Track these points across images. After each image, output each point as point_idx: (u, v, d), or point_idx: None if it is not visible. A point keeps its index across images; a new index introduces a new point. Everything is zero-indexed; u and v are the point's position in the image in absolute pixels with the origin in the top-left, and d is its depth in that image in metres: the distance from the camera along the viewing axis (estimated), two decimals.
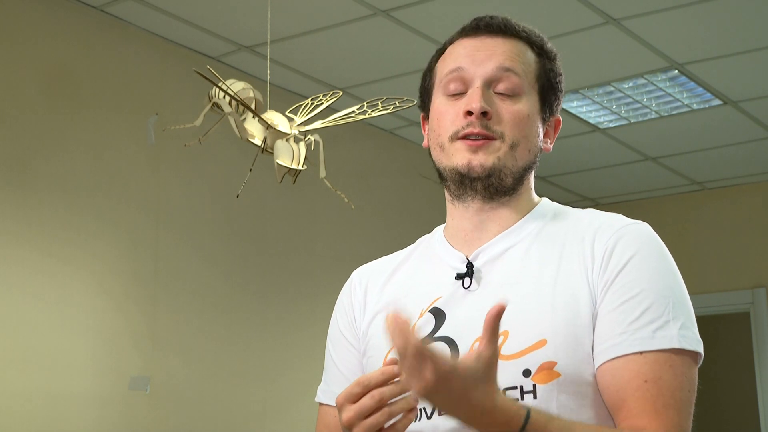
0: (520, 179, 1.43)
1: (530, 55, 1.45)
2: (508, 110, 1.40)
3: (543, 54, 1.46)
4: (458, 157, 1.40)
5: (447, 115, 1.42)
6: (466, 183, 1.40)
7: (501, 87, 1.41)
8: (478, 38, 1.45)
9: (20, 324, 3.45)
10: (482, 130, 1.38)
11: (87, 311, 3.65)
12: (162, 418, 3.84)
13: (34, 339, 3.47)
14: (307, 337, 4.44)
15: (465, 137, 1.39)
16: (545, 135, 1.48)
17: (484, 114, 1.39)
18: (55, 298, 3.55)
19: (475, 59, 1.42)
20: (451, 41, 1.48)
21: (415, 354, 1.09)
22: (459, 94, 1.42)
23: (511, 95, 1.41)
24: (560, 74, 1.48)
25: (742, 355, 6.25)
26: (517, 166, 1.41)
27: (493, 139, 1.39)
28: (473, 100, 1.39)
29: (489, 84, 1.41)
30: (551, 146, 1.49)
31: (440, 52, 1.49)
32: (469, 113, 1.39)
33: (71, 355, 3.57)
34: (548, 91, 1.45)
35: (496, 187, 1.40)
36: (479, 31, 1.45)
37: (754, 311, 5.91)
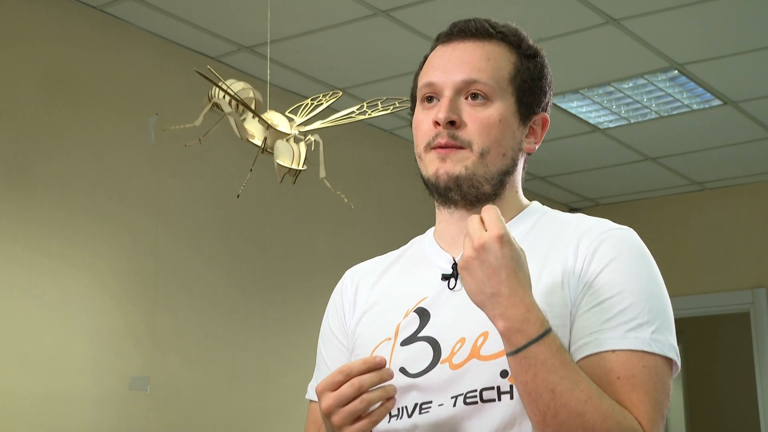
0: (500, 184, 1.42)
1: (505, 56, 1.43)
2: (476, 118, 1.40)
3: (521, 52, 1.45)
4: (430, 167, 1.41)
5: (421, 125, 1.43)
6: (441, 192, 1.41)
7: (470, 94, 1.41)
8: (451, 45, 1.45)
9: (20, 324, 3.45)
10: (449, 140, 1.39)
11: (87, 311, 3.65)
12: (162, 418, 3.84)
13: (34, 339, 3.47)
14: (306, 336, 4.42)
15: (435, 147, 1.40)
16: (531, 134, 1.46)
17: (452, 123, 1.39)
18: (55, 298, 3.55)
19: (446, 69, 1.42)
20: (431, 49, 1.49)
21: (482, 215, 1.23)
22: (433, 104, 1.43)
23: (481, 102, 1.40)
24: (542, 71, 1.46)
25: (742, 355, 6.25)
26: (491, 172, 1.40)
27: (461, 148, 1.39)
28: (440, 110, 1.40)
29: (459, 92, 1.41)
30: (536, 146, 1.47)
31: (423, 61, 1.50)
32: (437, 124, 1.40)
33: (71, 355, 3.57)
34: (525, 92, 1.43)
35: (474, 195, 1.41)
36: (453, 37, 1.45)
37: (754, 311, 5.90)
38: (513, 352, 1.21)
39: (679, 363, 1.31)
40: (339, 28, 3.97)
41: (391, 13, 3.83)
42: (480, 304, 1.23)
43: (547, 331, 1.21)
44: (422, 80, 1.45)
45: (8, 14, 3.58)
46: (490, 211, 1.24)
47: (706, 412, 7.57)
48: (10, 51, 3.57)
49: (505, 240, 1.21)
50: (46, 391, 3.47)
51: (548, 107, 1.49)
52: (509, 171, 1.43)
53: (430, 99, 1.44)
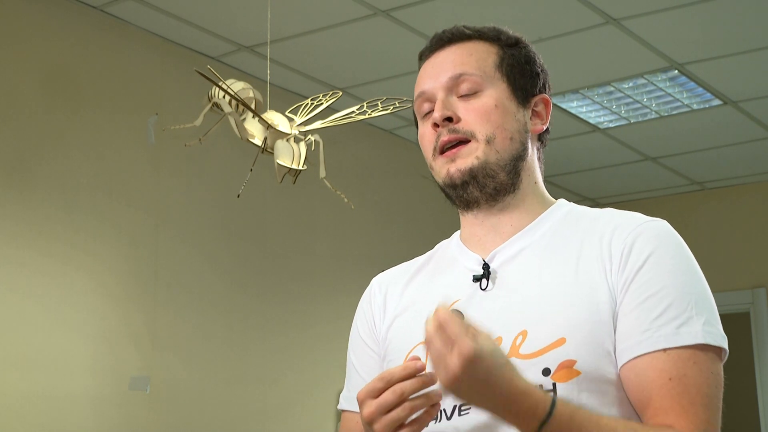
0: (514, 171, 1.42)
1: (486, 49, 1.46)
2: (471, 108, 1.41)
3: (502, 43, 1.47)
4: (442, 171, 1.43)
5: (425, 135, 1.45)
6: (459, 194, 1.42)
7: (461, 90, 1.43)
8: (433, 55, 1.48)
9: (20, 324, 3.45)
10: (452, 135, 1.41)
11: (87, 311, 3.64)
12: (162, 418, 3.84)
13: (34, 339, 3.47)
14: (307, 337, 4.44)
15: (442, 151, 1.42)
16: (535, 116, 1.47)
17: (449, 120, 1.41)
18: (55, 299, 3.55)
19: (432, 75, 1.45)
20: (418, 68, 1.51)
21: (441, 332, 1.12)
22: (429, 113, 1.45)
23: (473, 93, 1.42)
24: (528, 55, 1.48)
25: (742, 355, 6.23)
26: (503, 158, 1.41)
27: (466, 141, 1.40)
28: (435, 111, 1.42)
29: (450, 90, 1.43)
30: (544, 126, 1.48)
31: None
32: (436, 125, 1.42)
33: (71, 355, 3.57)
34: (516, 75, 1.45)
35: (494, 187, 1.41)
36: (433, 49, 1.48)
37: (754, 311, 5.90)
38: None
39: (728, 350, 1.31)
40: (339, 28, 3.97)
41: (391, 13, 3.83)
42: (482, 408, 1.19)
43: (553, 404, 1.17)
44: (415, 94, 1.48)
45: (8, 14, 3.58)
46: (449, 323, 1.14)
47: None
48: (10, 51, 3.57)
49: (474, 360, 1.12)
50: (46, 391, 3.47)
51: (547, 89, 1.50)
52: (521, 156, 1.43)
53: (426, 113, 1.45)
